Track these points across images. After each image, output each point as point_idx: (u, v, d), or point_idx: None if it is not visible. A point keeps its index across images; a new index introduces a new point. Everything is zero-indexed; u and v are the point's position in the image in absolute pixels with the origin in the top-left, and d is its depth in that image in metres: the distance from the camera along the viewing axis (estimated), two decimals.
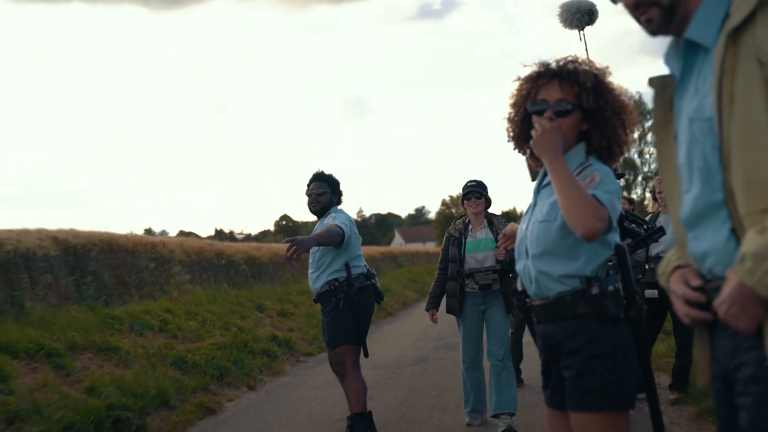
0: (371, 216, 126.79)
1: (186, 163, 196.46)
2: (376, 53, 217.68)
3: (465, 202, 6.75)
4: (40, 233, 12.33)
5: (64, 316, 10.30)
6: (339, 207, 6.91)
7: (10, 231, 11.96)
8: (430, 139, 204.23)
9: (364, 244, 6.85)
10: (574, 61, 3.24)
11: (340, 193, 7.01)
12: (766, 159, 1.92)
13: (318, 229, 6.68)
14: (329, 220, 6.54)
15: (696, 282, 2.18)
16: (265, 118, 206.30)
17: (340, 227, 6.34)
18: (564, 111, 3.17)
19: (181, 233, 58.71)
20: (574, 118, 3.19)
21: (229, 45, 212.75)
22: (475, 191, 6.57)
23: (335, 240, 6.33)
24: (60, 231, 13.31)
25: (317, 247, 6.49)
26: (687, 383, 7.60)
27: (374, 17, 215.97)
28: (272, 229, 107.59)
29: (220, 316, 13.27)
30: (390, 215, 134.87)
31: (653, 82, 2.44)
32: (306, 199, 6.91)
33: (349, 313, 6.38)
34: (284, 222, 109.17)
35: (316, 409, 8.23)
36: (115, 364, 9.05)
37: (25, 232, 12.06)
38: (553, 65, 3.24)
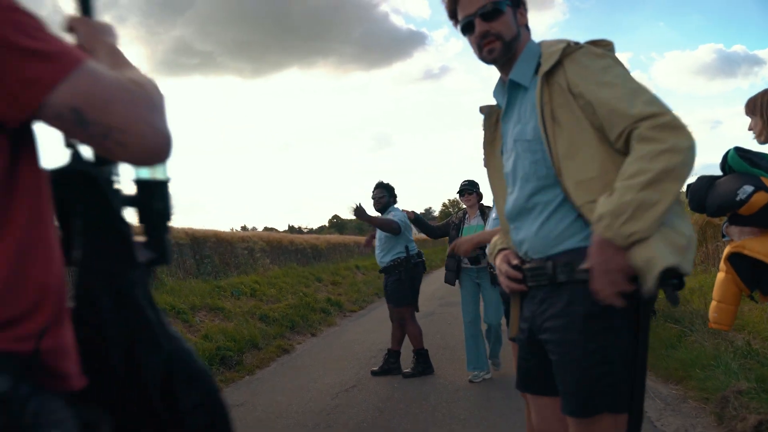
0: None
1: (266, 180, 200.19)
2: (394, 103, 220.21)
3: (461, 197, 6.41)
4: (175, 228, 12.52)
5: (188, 285, 10.37)
6: (395, 205, 6.83)
7: None
8: (433, 159, 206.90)
9: None
10: None
11: (394, 196, 6.89)
12: (588, 166, 1.82)
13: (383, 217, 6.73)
14: (390, 217, 6.59)
15: (515, 261, 2.06)
16: (317, 149, 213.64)
17: (397, 222, 6.44)
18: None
19: (265, 228, 58.66)
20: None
21: (295, 100, 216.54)
22: (468, 188, 6.29)
23: (393, 230, 6.45)
24: (189, 229, 13.55)
25: (383, 234, 6.56)
26: None
27: (392, 79, 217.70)
28: (327, 224, 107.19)
29: (291, 285, 13.20)
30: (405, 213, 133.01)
31: (483, 109, 2.23)
32: (371, 201, 6.86)
33: (409, 282, 6.47)
34: (335, 219, 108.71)
35: (358, 348, 8.19)
36: (221, 318, 9.08)
37: None
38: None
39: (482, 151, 2.26)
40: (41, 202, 1.02)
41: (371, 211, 6.66)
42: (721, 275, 3.02)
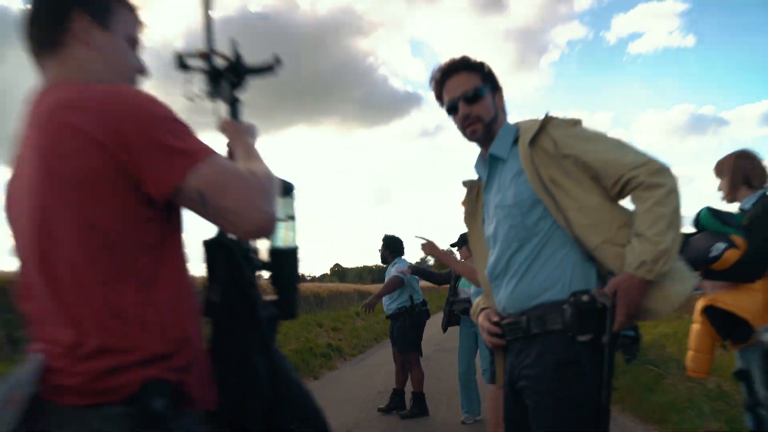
0: None
1: None
2: (393, 159, 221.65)
3: (457, 249, 6.08)
4: None
5: None
6: (402, 257, 6.82)
7: None
8: (430, 211, 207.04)
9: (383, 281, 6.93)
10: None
11: (398, 249, 6.86)
12: (592, 215, 1.86)
13: (387, 274, 6.71)
14: (393, 270, 6.59)
15: (495, 318, 2.10)
16: (320, 201, 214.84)
17: (399, 278, 6.44)
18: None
19: None
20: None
21: (302, 155, 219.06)
22: (459, 243, 5.99)
23: (396, 287, 6.47)
24: None
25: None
26: None
27: (392, 137, 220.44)
28: (328, 272, 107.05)
29: (294, 331, 12.98)
30: None
31: (465, 183, 2.27)
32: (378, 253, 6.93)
33: (413, 329, 6.43)
34: (336, 268, 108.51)
35: (357, 391, 8.05)
36: None
37: None
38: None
39: (465, 221, 2.31)
40: (183, 263, 1.23)
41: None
42: (696, 326, 3.01)
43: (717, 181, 3.13)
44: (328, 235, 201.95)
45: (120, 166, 1.10)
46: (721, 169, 3.09)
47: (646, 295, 1.82)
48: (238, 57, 1.45)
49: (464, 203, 2.29)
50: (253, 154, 1.32)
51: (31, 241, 1.17)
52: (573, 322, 1.83)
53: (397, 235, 6.98)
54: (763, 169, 3.03)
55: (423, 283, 7.09)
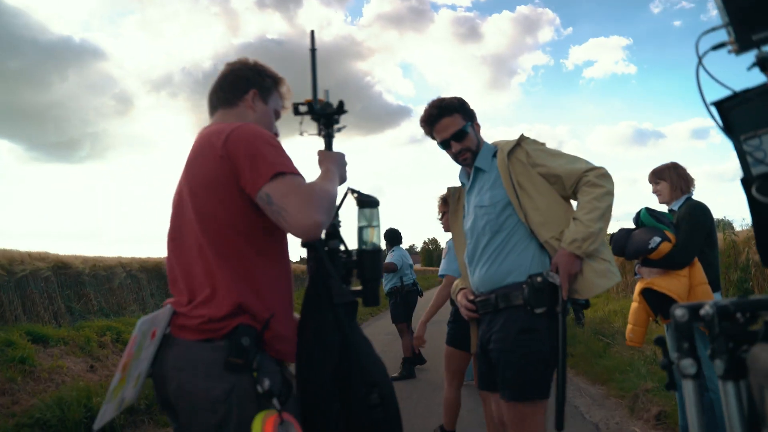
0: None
1: None
2: (386, 162, 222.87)
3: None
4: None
5: None
6: (399, 245, 7.05)
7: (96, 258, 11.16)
8: (416, 204, 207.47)
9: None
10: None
11: (395, 239, 7.04)
12: (545, 213, 2.08)
13: (385, 261, 6.92)
14: (389, 257, 6.89)
15: (470, 297, 2.29)
16: None
17: (393, 264, 6.77)
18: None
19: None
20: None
21: (305, 161, 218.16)
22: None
23: (390, 271, 6.78)
24: None
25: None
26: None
27: (385, 143, 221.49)
28: None
29: (299, 304, 13.16)
30: None
31: (450, 189, 2.48)
32: None
33: (403, 305, 6.77)
34: None
35: None
36: None
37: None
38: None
39: (450, 219, 2.51)
40: (280, 248, 1.49)
41: None
42: (634, 305, 3.15)
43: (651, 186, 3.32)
44: None
45: (231, 173, 1.37)
46: (659, 174, 3.28)
47: (578, 278, 2.02)
48: (328, 104, 1.62)
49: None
50: (327, 177, 1.50)
51: (173, 225, 1.51)
52: (531, 297, 2.03)
53: (393, 226, 7.21)
54: (688, 177, 3.25)
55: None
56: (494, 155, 2.25)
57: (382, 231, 1.65)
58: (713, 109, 0.89)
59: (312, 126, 1.65)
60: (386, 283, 6.90)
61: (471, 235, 2.28)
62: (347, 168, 1.62)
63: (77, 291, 7.59)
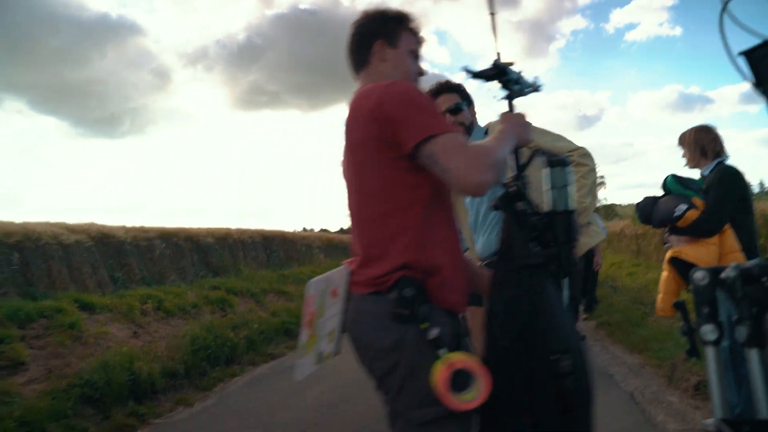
0: None
1: (322, 190, 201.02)
2: None
3: None
4: (245, 231, 12.86)
5: (260, 274, 10.61)
6: None
7: (240, 230, 12.33)
8: None
9: None
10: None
11: None
12: (535, 186, 2.05)
13: None
14: None
15: (477, 262, 2.37)
16: None
17: None
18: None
19: (321, 229, 58.97)
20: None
21: (342, 129, 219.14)
22: None
23: None
24: (261, 230, 13.63)
25: None
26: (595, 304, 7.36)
27: None
28: None
29: None
30: None
31: None
32: None
33: None
34: None
35: None
36: (285, 299, 9.25)
37: (240, 231, 12.43)
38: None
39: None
40: (441, 205, 1.48)
41: None
42: (664, 274, 3.08)
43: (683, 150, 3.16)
44: None
45: (384, 132, 1.38)
46: (682, 140, 3.14)
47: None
48: (506, 68, 1.59)
49: None
50: (500, 137, 1.48)
51: (347, 192, 1.56)
52: None
53: None
54: (718, 140, 3.07)
55: None
56: (485, 133, 2.48)
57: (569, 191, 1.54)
58: (742, 60, 0.83)
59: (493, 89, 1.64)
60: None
61: (471, 206, 2.50)
62: (528, 128, 1.59)
63: (120, 261, 7.87)
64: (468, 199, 2.48)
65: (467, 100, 2.56)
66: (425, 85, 2.54)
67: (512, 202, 1.50)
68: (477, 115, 2.64)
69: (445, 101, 2.49)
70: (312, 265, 14.40)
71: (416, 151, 1.35)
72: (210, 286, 8.45)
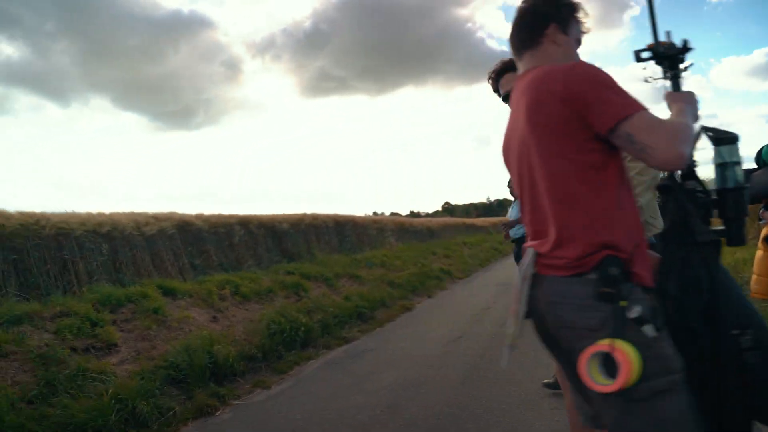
0: (494, 201, 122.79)
1: (391, 174, 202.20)
2: (493, 112, 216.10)
3: None
4: (317, 216, 13.07)
5: (333, 259, 10.76)
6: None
7: (314, 215, 12.56)
8: None
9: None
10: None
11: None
12: None
13: (511, 210, 6.82)
14: (514, 209, 6.69)
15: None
16: (430, 149, 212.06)
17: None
18: None
19: (392, 213, 59.42)
20: None
21: (411, 111, 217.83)
22: None
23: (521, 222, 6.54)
24: (334, 215, 13.77)
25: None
26: None
27: (490, 91, 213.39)
28: (440, 209, 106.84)
29: (412, 258, 13.32)
30: (506, 200, 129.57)
31: None
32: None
33: None
34: (446, 205, 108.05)
35: (464, 307, 8.20)
36: (358, 284, 9.30)
37: (314, 216, 12.66)
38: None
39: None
40: (625, 185, 1.45)
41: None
42: (759, 253, 2.90)
43: None
44: (437, 177, 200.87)
45: (575, 114, 1.38)
46: None
47: None
48: (672, 44, 1.60)
49: None
50: (681, 113, 1.48)
51: (520, 173, 1.56)
52: None
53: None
54: None
55: None
56: None
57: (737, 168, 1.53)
58: None
59: (655, 71, 1.63)
60: (517, 228, 6.66)
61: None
62: (698, 106, 1.56)
63: (199, 247, 8.17)
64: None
65: None
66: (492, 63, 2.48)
67: (683, 180, 1.48)
68: None
69: (510, 80, 2.40)
70: (384, 248, 14.44)
71: (611, 132, 1.35)
72: (285, 272, 8.64)
